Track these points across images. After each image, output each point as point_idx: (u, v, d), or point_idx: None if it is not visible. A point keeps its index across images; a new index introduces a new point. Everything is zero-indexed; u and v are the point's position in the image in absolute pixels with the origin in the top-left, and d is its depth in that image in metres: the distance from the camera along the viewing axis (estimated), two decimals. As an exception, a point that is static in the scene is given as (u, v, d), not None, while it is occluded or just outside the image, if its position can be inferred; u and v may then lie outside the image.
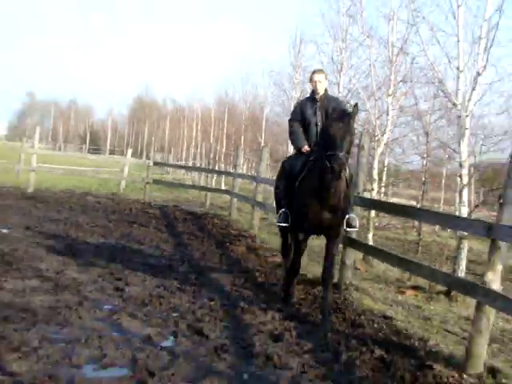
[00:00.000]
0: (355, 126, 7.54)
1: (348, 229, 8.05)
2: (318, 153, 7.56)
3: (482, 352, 6.03)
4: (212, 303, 7.73)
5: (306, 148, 8.36)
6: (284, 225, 8.17)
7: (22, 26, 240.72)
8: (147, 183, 22.16)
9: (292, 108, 9.12)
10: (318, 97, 8.52)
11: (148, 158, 26.07)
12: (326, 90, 8.67)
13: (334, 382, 5.34)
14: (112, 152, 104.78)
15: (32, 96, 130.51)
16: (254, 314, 7.37)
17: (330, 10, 20.36)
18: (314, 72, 8.74)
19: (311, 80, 8.69)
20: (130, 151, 28.23)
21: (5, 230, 11.59)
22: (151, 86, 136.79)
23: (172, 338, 6.22)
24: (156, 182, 23.92)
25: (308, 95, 9.18)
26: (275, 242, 13.59)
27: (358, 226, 8.22)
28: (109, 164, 44.27)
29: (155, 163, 26.46)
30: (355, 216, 8.05)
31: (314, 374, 5.51)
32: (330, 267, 7.72)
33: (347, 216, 7.80)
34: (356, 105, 7.62)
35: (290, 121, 8.87)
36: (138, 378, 4.95)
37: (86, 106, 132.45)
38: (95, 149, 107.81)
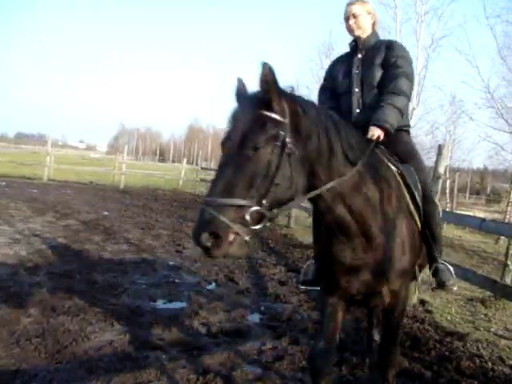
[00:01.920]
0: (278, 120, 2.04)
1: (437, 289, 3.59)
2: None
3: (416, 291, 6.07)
4: (240, 260, 7.77)
5: None
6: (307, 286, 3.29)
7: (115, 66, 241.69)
8: (196, 181, 22.22)
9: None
10: (359, 43, 3.40)
11: (197, 164, 26.04)
12: (373, 31, 3.45)
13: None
14: (173, 161, 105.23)
15: (122, 125, 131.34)
16: (268, 267, 7.40)
17: (316, 66, 20.57)
18: (346, 5, 3.46)
19: (344, 19, 3.45)
20: (185, 160, 28.25)
21: (106, 213, 11.68)
22: (199, 117, 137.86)
23: (214, 283, 6.26)
24: (202, 180, 23.93)
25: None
26: (281, 220, 13.60)
27: (452, 279, 3.05)
28: (171, 169, 44.23)
29: (202, 168, 26.58)
30: (446, 267, 3.07)
31: (307, 306, 5.52)
32: (383, 358, 2.91)
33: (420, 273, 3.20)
34: (268, 68, 2.01)
35: (319, 91, 3.63)
36: (192, 309, 5.02)
37: (157, 131, 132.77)
38: (162, 159, 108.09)
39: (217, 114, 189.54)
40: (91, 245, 7.72)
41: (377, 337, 3.67)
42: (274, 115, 2.04)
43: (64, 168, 23.04)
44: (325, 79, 3.58)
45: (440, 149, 6.08)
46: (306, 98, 2.36)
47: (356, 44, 3.44)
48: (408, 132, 3.33)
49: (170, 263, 7.10)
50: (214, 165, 65.01)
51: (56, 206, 11.63)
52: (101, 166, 33.34)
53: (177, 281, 6.13)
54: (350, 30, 3.43)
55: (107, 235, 8.69)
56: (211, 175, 38.82)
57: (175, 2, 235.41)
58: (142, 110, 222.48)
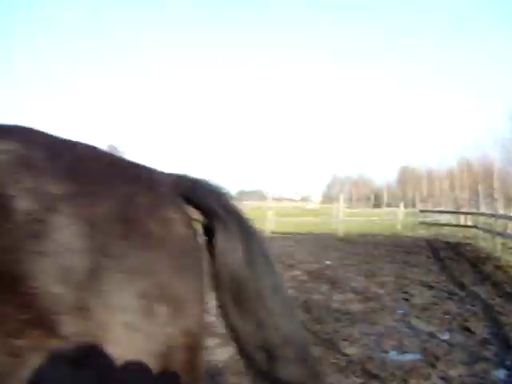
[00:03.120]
0: None
1: None
2: None
3: None
4: (474, 308, 7.13)
5: None
6: None
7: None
8: (416, 224, 21.43)
9: None
10: None
11: (414, 207, 25.23)
12: None
13: None
14: (388, 205, 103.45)
15: (335, 176, 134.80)
16: (508, 315, 6.63)
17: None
18: None
19: None
20: (402, 204, 27.58)
21: (328, 262, 11.99)
22: (409, 159, 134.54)
23: (448, 332, 5.87)
24: (422, 223, 23.07)
25: None
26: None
27: None
28: (387, 213, 43.57)
29: (420, 211, 25.65)
30: None
31: None
32: None
33: None
34: None
35: None
36: (428, 361, 4.78)
37: (369, 177, 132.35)
38: (376, 204, 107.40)
39: (429, 154, 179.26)
40: (318, 295, 7.97)
41: None
42: None
43: (284, 220, 24.50)
44: None
45: None
46: None
47: None
48: None
49: (399, 311, 6.90)
50: (431, 206, 62.28)
51: (281, 257, 12.35)
52: (317, 215, 34.54)
53: (407, 330, 5.92)
54: None
55: (332, 284, 8.88)
56: (430, 217, 37.13)
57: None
58: (351, 157, 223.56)
